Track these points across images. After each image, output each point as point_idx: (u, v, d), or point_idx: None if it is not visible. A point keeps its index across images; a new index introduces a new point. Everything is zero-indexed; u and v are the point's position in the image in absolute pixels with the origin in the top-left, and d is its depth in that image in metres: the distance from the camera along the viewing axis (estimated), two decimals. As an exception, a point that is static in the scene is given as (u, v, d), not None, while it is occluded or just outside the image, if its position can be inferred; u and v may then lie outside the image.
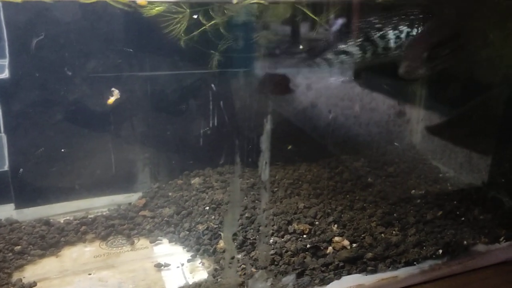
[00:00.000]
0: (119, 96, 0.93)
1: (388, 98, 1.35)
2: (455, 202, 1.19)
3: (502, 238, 1.09)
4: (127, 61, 1.11)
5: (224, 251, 0.99)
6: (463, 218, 1.14)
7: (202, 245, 1.04)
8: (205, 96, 1.18)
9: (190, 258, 1.02)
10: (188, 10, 0.81)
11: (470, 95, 1.29)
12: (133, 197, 1.23)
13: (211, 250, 1.02)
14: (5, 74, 1.06)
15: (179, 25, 0.84)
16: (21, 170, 1.08)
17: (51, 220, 1.12)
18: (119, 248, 1.06)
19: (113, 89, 0.96)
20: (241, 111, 1.08)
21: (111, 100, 0.95)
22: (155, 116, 1.22)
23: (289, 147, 1.20)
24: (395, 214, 1.12)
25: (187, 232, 1.09)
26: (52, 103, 1.11)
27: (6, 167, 1.13)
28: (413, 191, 1.24)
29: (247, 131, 0.99)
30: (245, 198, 1.15)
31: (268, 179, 0.88)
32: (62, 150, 1.11)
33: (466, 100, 1.30)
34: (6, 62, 1.06)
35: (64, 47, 1.02)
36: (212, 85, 1.15)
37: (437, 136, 1.38)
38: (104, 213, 1.17)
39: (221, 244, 1.01)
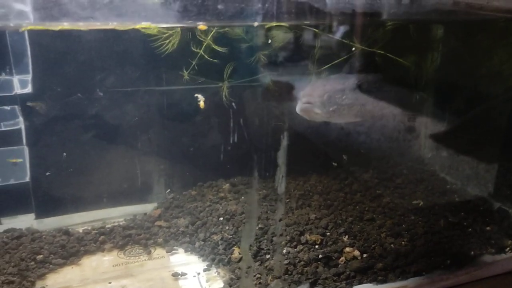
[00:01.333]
0: (204, 99, 0.97)
1: (397, 109, 1.38)
2: (462, 213, 1.22)
3: (508, 248, 1.12)
4: (144, 77, 1.15)
5: (239, 261, 1.03)
6: (470, 229, 1.17)
7: (217, 254, 1.07)
8: (219, 109, 1.22)
9: (206, 267, 1.05)
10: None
11: (477, 107, 1.32)
12: (149, 207, 1.27)
13: (226, 260, 1.05)
14: (28, 89, 1.11)
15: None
16: (47, 174, 1.11)
17: (70, 230, 1.16)
18: (137, 257, 1.10)
19: (196, 95, 1.00)
20: (255, 124, 1.12)
21: (201, 104, 0.99)
22: (170, 129, 1.26)
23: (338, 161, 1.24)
24: (403, 225, 1.16)
25: (202, 242, 1.12)
26: (72, 117, 1.15)
27: (27, 178, 1.17)
28: (421, 203, 1.27)
29: (263, 145, 1.03)
30: (258, 209, 1.19)
31: (284, 192, 0.92)
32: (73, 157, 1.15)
33: (472, 112, 1.34)
34: (29, 77, 1.10)
35: (84, 65, 1.06)
36: (226, 98, 1.19)
37: (442, 145, 1.42)
38: (121, 223, 1.21)
39: (236, 254, 1.05)
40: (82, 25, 0.69)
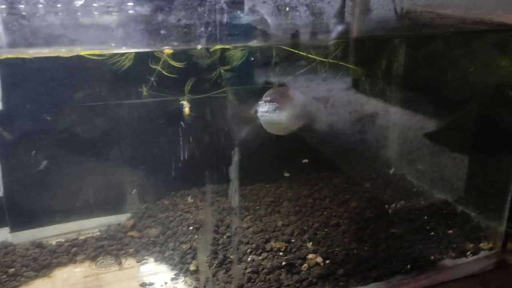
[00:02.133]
0: (189, 105, 1.00)
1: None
2: (425, 217, 1.25)
3: (469, 252, 1.15)
4: (112, 92, 1.18)
5: (197, 271, 1.06)
6: (432, 233, 1.20)
7: (185, 263, 1.11)
8: (185, 121, 1.25)
9: (174, 276, 1.09)
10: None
11: (445, 112, 1.36)
12: (123, 218, 1.30)
13: (194, 269, 1.09)
14: (-1, 107, 1.14)
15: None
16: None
17: (44, 242, 1.19)
18: (108, 268, 1.13)
19: (181, 102, 1.03)
20: (215, 135, 1.15)
21: (187, 110, 1.01)
22: (142, 141, 1.29)
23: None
24: (367, 230, 1.19)
25: (172, 252, 1.15)
26: (42, 132, 1.18)
27: (0, 193, 1.20)
28: (386, 206, 1.30)
29: (220, 155, 1.06)
30: (227, 217, 1.22)
31: (238, 205, 0.95)
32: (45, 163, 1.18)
33: (439, 116, 1.37)
34: (-1, 96, 1.13)
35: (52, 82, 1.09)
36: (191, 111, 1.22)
37: (410, 148, 1.45)
38: (95, 234, 1.24)
39: (194, 266, 1.08)
40: (31, 53, 0.72)
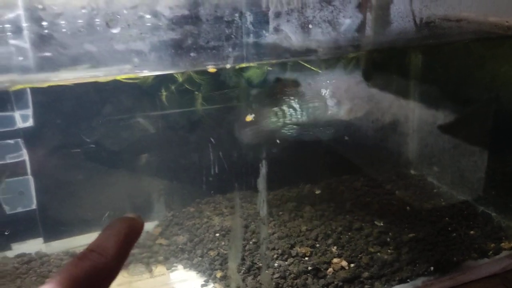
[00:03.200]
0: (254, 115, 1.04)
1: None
2: (446, 218, 1.27)
3: (491, 252, 1.17)
4: (138, 103, 1.22)
5: (226, 277, 1.09)
6: (454, 234, 1.22)
7: (214, 270, 1.14)
8: (212, 130, 1.29)
9: (204, 283, 1.12)
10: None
11: (464, 112, 1.38)
12: (150, 226, 1.34)
13: (222, 275, 1.12)
14: (30, 123, 1.18)
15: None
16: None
17: (77, 251, 1.24)
18: (139, 275, 1.17)
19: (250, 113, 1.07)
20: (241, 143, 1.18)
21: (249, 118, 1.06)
22: (168, 150, 1.33)
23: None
24: (390, 233, 1.21)
25: (200, 258, 1.19)
26: (71, 146, 1.22)
27: (34, 206, 1.25)
28: (408, 208, 1.32)
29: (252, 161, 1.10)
30: (252, 223, 1.25)
31: (266, 215, 0.98)
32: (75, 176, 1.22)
33: (458, 117, 1.39)
34: (30, 112, 1.17)
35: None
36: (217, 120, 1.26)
37: (430, 149, 1.47)
38: (124, 243, 1.28)
39: (220, 274, 1.11)
40: (71, 79, 0.76)
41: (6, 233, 1.21)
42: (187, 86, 1.10)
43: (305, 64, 1.00)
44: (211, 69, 0.79)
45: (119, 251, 0.39)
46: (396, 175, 1.49)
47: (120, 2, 0.74)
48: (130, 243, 0.41)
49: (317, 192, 1.41)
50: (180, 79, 1.09)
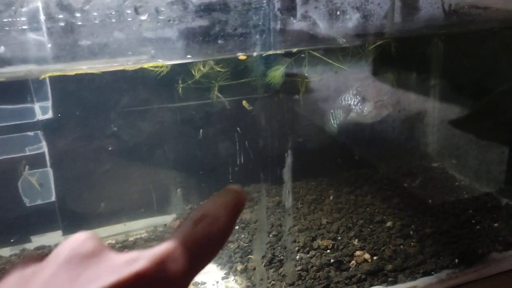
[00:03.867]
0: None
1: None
2: (470, 211, 1.26)
3: (516, 244, 1.16)
4: (156, 95, 1.21)
5: (254, 269, 1.08)
6: (478, 227, 1.20)
7: (234, 263, 1.13)
8: (229, 122, 1.28)
9: (224, 275, 1.12)
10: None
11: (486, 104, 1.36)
12: (168, 219, 1.33)
13: (243, 268, 1.11)
14: (49, 115, 1.18)
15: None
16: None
17: (96, 244, 1.23)
18: (159, 268, 1.16)
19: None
20: (263, 134, 1.17)
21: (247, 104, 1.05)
22: (185, 143, 1.32)
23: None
24: (413, 226, 1.20)
25: (220, 251, 1.18)
26: (90, 138, 1.22)
27: (53, 198, 1.24)
28: (430, 201, 1.31)
29: (271, 155, 1.08)
30: (272, 216, 1.24)
31: (291, 206, 0.97)
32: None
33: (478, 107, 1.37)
34: (49, 103, 1.17)
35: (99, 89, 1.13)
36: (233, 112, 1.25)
37: (451, 141, 1.45)
38: (143, 236, 1.28)
39: (240, 266, 1.11)
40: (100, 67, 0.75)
41: (12, 241, 1.21)
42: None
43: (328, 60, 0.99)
44: (242, 56, 0.78)
45: (228, 221, 0.41)
46: (417, 168, 1.47)
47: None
48: (236, 212, 0.42)
49: (336, 185, 1.40)
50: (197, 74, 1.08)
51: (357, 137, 1.43)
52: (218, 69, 1.04)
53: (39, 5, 0.71)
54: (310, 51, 0.94)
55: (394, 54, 0.99)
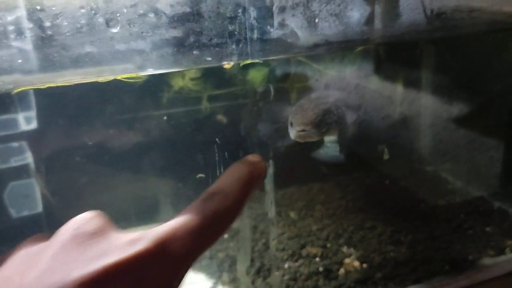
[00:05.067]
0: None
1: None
2: (462, 215, 1.24)
3: (508, 249, 1.14)
4: (136, 103, 1.20)
5: (235, 279, 1.07)
6: (470, 231, 1.19)
7: (222, 272, 1.12)
8: (208, 132, 1.27)
9: (212, 285, 1.10)
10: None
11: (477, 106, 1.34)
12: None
13: (231, 277, 1.10)
14: (34, 125, 1.17)
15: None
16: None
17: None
18: (148, 278, 1.15)
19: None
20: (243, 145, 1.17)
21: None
22: (175, 151, 1.31)
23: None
24: (403, 232, 1.18)
25: (209, 260, 1.17)
26: (77, 147, 1.21)
27: (40, 209, 1.23)
28: (422, 205, 1.29)
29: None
30: (261, 223, 1.23)
31: (274, 216, 0.96)
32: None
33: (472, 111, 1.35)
34: (34, 113, 1.16)
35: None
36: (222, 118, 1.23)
37: (443, 144, 1.44)
38: (132, 245, 1.27)
39: (229, 276, 1.09)
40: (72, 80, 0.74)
41: None
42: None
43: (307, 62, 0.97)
44: (227, 65, 0.77)
45: (240, 195, 0.41)
46: (409, 172, 1.45)
47: (119, 1, 0.72)
48: (251, 186, 0.42)
49: (327, 190, 1.38)
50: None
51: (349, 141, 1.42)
52: (190, 85, 1.03)
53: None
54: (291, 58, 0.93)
55: (377, 59, 0.98)
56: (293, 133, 0.89)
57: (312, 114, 0.89)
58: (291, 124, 0.90)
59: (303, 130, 0.87)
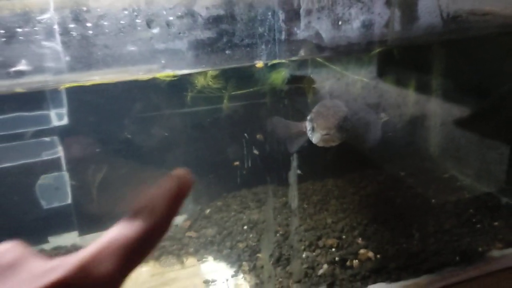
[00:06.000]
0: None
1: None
2: (471, 210, 1.29)
3: (515, 242, 1.19)
4: (166, 101, 1.26)
5: (262, 267, 1.13)
6: (478, 225, 1.24)
7: (243, 261, 1.18)
8: (237, 127, 1.32)
9: (234, 273, 1.16)
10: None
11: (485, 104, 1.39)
12: (179, 219, 1.38)
13: (251, 266, 1.16)
14: (65, 121, 1.23)
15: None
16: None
17: (110, 244, 1.28)
18: (171, 267, 1.21)
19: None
20: (269, 140, 1.22)
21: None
22: (195, 147, 1.37)
23: None
24: (415, 225, 1.24)
25: (229, 250, 1.23)
26: (104, 143, 1.27)
27: (69, 201, 1.29)
28: (433, 200, 1.35)
29: (278, 158, 1.13)
30: (279, 216, 1.29)
31: (297, 207, 1.02)
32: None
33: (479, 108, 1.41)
34: (65, 110, 1.22)
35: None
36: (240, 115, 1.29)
37: (451, 142, 1.48)
38: (155, 236, 1.32)
39: (249, 265, 1.15)
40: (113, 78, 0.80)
41: (30, 242, 1.26)
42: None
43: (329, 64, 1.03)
44: (259, 64, 0.83)
45: (168, 210, 0.39)
46: (419, 169, 1.51)
47: (159, 3, 0.78)
48: (178, 201, 0.40)
49: (341, 186, 1.44)
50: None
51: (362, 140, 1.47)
52: (210, 82, 1.09)
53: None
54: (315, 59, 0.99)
55: (395, 60, 1.03)
56: (316, 137, 0.93)
57: (334, 120, 0.94)
58: (313, 128, 0.94)
59: (327, 134, 0.92)
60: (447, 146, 1.52)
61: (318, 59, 1.10)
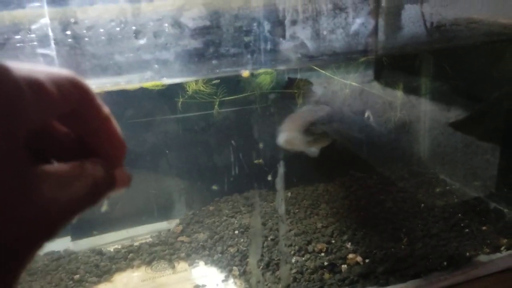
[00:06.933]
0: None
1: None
2: (459, 214, 1.31)
3: (503, 247, 1.20)
4: (158, 107, 1.28)
5: (245, 273, 1.14)
6: (467, 230, 1.25)
7: (233, 266, 1.19)
8: (225, 134, 1.34)
9: (224, 278, 1.17)
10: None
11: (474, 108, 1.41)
12: (172, 224, 1.40)
13: (241, 271, 1.17)
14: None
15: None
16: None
17: (103, 249, 1.30)
18: (163, 271, 1.23)
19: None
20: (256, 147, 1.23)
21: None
22: (187, 152, 1.38)
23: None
24: (404, 229, 1.25)
25: (220, 255, 1.24)
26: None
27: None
28: (422, 205, 1.36)
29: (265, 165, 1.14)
30: (269, 221, 1.30)
31: (284, 213, 1.03)
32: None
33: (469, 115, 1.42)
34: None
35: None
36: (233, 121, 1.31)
37: (441, 147, 1.50)
38: (148, 240, 1.34)
39: (240, 269, 1.16)
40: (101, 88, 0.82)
41: None
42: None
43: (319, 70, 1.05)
44: (245, 73, 0.84)
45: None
46: (408, 173, 1.52)
47: (146, 15, 0.79)
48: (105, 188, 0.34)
49: (331, 190, 1.46)
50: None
51: (353, 143, 1.48)
52: (202, 87, 1.10)
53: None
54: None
55: (381, 68, 1.05)
56: (279, 139, 0.95)
57: (297, 123, 0.95)
58: (280, 131, 0.95)
59: (288, 137, 0.93)
60: (436, 151, 1.54)
61: (312, 66, 1.12)
